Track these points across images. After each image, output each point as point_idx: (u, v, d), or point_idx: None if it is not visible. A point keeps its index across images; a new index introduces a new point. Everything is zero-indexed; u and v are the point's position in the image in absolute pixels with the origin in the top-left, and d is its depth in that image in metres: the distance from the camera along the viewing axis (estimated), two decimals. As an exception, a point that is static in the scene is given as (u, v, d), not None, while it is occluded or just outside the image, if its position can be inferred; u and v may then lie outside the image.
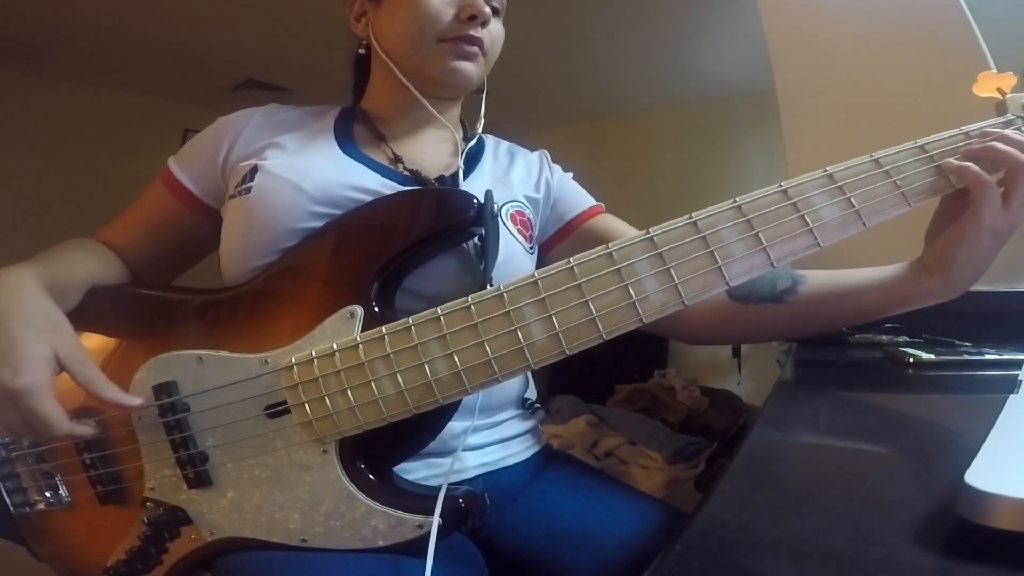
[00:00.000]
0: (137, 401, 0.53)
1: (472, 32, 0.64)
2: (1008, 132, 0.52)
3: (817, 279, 0.63)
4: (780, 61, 1.03)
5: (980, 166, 0.51)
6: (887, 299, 0.59)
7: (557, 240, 0.73)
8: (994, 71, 0.57)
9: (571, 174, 0.80)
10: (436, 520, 0.48)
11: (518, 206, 0.69)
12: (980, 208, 0.51)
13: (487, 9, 0.64)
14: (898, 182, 0.50)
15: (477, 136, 0.74)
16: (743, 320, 0.65)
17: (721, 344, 0.68)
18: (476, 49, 0.65)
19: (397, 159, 0.66)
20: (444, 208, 0.56)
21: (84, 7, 1.98)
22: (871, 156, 0.50)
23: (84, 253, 0.64)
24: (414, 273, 0.57)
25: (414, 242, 0.55)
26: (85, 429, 0.53)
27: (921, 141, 0.52)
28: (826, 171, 0.50)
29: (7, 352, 0.50)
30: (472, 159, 0.72)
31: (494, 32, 0.67)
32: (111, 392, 0.53)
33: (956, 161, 0.51)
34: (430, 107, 0.67)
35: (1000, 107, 0.56)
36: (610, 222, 0.74)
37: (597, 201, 0.77)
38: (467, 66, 0.65)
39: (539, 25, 2.19)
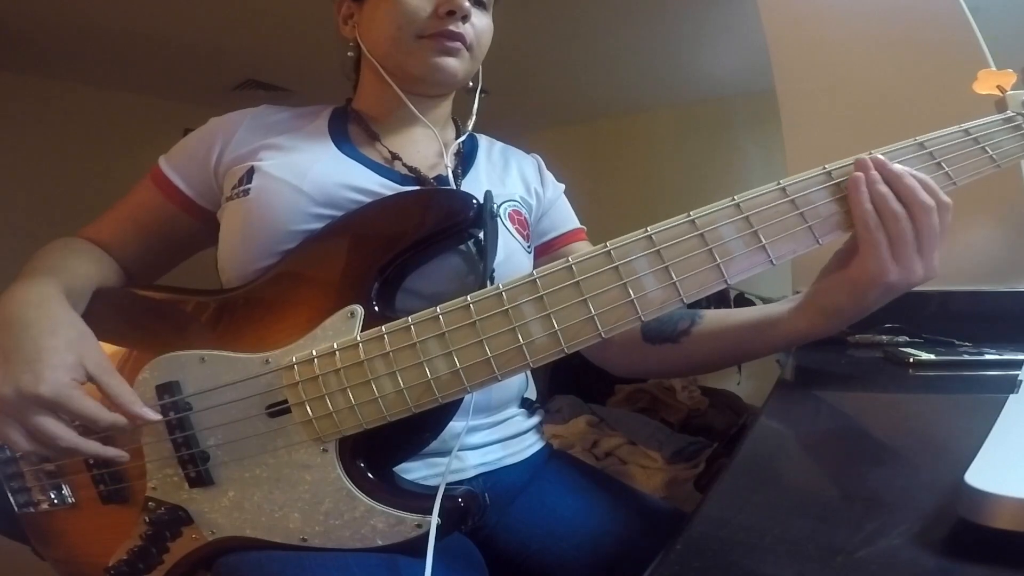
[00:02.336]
0: (157, 417, 0.53)
1: (451, 27, 0.63)
2: (906, 178, 0.49)
3: (710, 319, 0.64)
4: (780, 61, 1.03)
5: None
6: (764, 339, 0.60)
7: (536, 255, 0.73)
8: (994, 69, 0.57)
9: (563, 187, 0.80)
10: (435, 519, 0.48)
11: (515, 205, 0.69)
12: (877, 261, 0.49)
13: (466, 3, 0.62)
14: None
15: (468, 133, 0.74)
16: (651, 358, 0.67)
17: (637, 377, 0.71)
18: (458, 44, 0.64)
19: (394, 157, 0.66)
20: (444, 208, 0.56)
21: (84, 7, 1.98)
22: (870, 154, 0.50)
23: (80, 257, 0.64)
24: (415, 272, 0.57)
25: (414, 242, 0.55)
26: (122, 419, 0.52)
27: (920, 138, 0.51)
28: (825, 168, 0.50)
29: (33, 360, 0.50)
30: (467, 158, 0.72)
31: (479, 26, 0.66)
32: (136, 406, 0.53)
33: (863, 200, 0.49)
34: (412, 106, 0.67)
35: (1000, 104, 0.56)
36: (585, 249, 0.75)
37: (581, 224, 0.78)
38: (449, 62, 0.65)
39: (539, 25, 2.19)
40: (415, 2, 0.63)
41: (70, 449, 0.51)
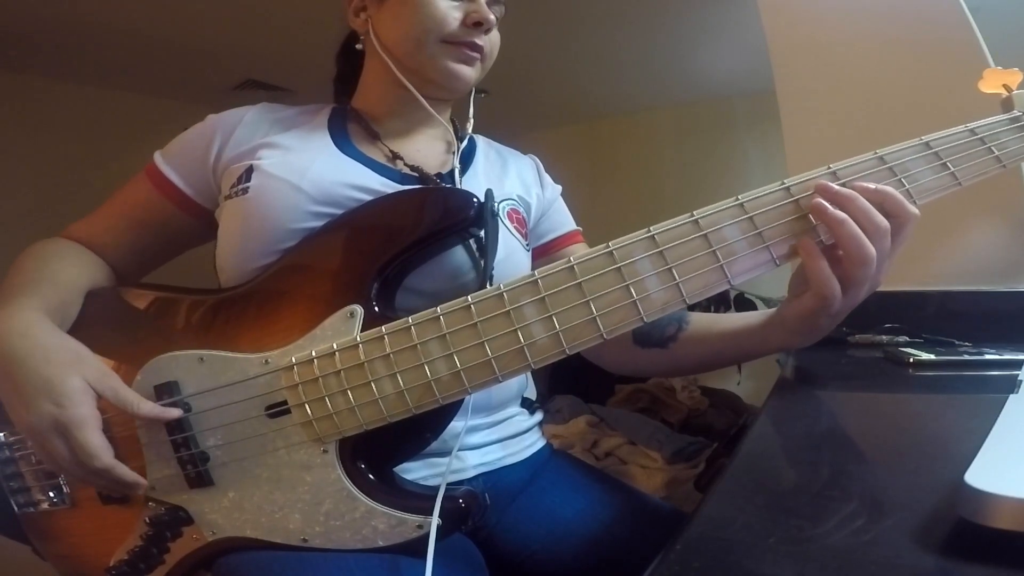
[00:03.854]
0: (177, 413, 0.53)
1: (476, 39, 0.65)
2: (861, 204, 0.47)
3: (696, 325, 0.65)
4: (780, 61, 1.03)
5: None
6: (745, 349, 0.62)
7: (532, 257, 0.73)
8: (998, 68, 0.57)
9: (560, 188, 0.80)
10: (435, 520, 0.48)
11: (513, 204, 0.70)
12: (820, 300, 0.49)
13: (492, 16, 0.65)
14: (903, 180, 0.49)
15: (468, 135, 0.74)
16: (641, 360, 0.69)
17: (629, 375, 0.73)
18: (477, 55, 0.66)
19: (395, 156, 0.67)
20: (444, 207, 0.56)
21: (84, 7, 1.98)
22: (875, 153, 0.50)
23: (63, 262, 0.64)
24: (415, 270, 0.57)
25: (415, 241, 0.55)
26: (127, 473, 0.53)
27: (926, 138, 0.51)
28: (830, 168, 0.49)
29: (44, 390, 0.50)
30: (465, 158, 0.72)
31: (493, 39, 0.69)
32: (147, 408, 0.53)
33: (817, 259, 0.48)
34: (429, 107, 0.67)
35: (1007, 103, 0.55)
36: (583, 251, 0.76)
37: (579, 225, 0.79)
38: (466, 70, 0.66)
39: (539, 26, 2.19)
40: (444, 8, 0.64)
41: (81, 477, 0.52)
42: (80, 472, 0.52)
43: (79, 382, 0.52)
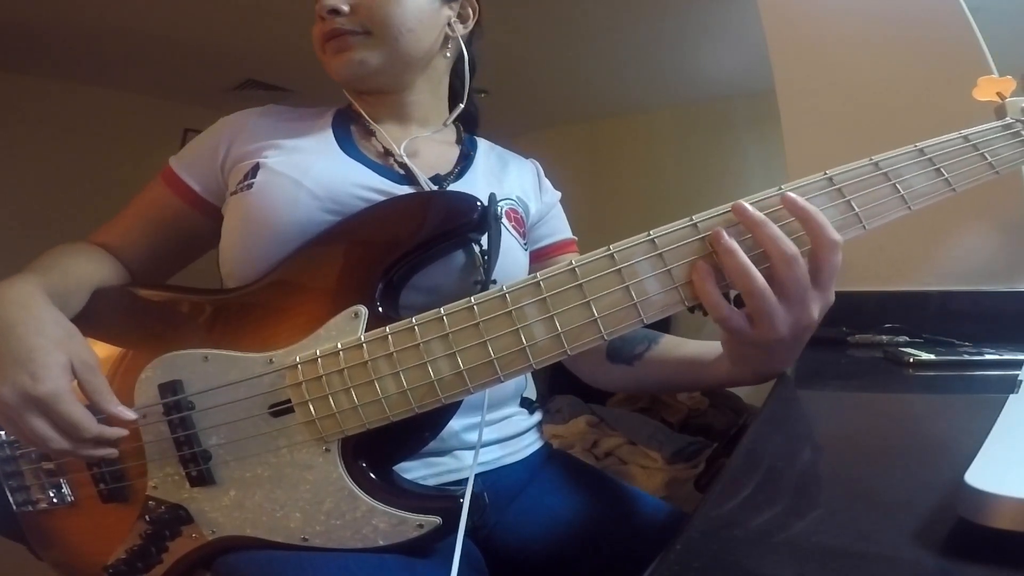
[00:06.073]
0: (132, 415, 0.53)
1: (328, 28, 0.65)
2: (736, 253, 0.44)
3: (662, 346, 0.65)
4: (780, 61, 1.03)
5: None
6: (698, 378, 0.62)
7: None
8: (995, 74, 0.57)
9: (559, 195, 0.81)
10: (465, 517, 0.48)
11: (511, 203, 0.70)
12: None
13: (327, 1, 0.63)
14: (898, 185, 0.50)
15: (444, 127, 0.75)
16: (610, 375, 0.69)
17: (601, 389, 0.73)
18: (341, 40, 0.65)
19: (387, 152, 0.67)
20: (448, 212, 0.56)
21: (84, 7, 1.98)
22: (870, 159, 0.50)
23: (78, 258, 0.65)
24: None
25: (419, 245, 0.55)
26: (116, 431, 0.53)
27: (920, 144, 0.51)
28: (826, 174, 0.50)
29: (25, 360, 0.50)
30: (466, 159, 0.73)
31: (364, 5, 0.64)
32: (112, 405, 0.53)
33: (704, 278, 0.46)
34: (363, 112, 0.69)
35: (999, 111, 0.56)
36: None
37: (580, 225, 0.80)
38: (345, 56, 0.66)
39: (539, 25, 2.19)
40: (317, 25, 0.67)
41: (63, 451, 0.52)
42: (69, 445, 0.51)
43: (63, 358, 0.51)
